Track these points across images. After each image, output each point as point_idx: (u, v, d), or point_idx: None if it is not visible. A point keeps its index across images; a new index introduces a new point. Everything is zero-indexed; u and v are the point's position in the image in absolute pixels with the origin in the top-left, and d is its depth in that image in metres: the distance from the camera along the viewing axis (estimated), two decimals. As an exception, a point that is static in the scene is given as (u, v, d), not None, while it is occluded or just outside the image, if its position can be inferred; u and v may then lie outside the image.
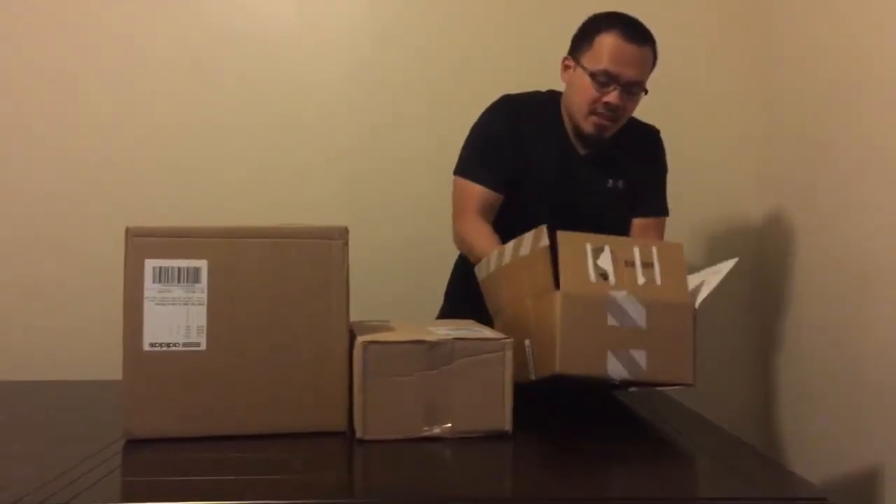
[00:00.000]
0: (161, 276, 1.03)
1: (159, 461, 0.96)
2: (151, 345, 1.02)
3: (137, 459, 0.97)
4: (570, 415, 1.23)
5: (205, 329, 1.03)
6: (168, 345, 1.02)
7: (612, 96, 1.46)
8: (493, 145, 1.57)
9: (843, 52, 1.67)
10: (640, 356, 1.10)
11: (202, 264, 1.04)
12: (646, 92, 1.52)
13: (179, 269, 1.03)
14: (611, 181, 1.59)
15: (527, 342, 1.14)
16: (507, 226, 1.57)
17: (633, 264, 1.12)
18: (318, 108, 2.06)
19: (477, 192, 1.54)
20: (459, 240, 1.57)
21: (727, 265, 1.22)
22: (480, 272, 1.37)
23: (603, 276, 1.11)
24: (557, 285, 1.10)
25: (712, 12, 2.11)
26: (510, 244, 1.24)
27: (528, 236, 1.17)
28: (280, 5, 2.07)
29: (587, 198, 1.58)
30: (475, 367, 1.05)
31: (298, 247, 1.07)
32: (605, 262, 1.12)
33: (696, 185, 2.08)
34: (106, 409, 1.17)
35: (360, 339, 1.03)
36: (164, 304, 1.02)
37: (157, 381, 1.01)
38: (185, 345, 1.02)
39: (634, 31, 1.47)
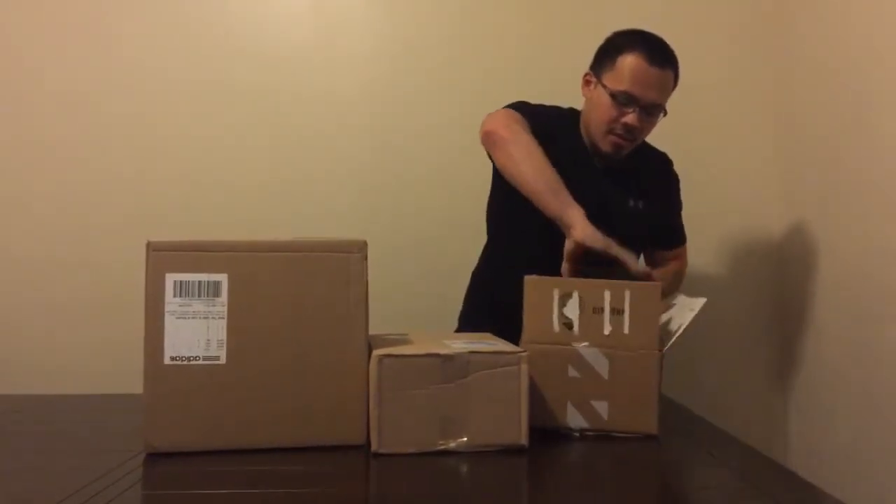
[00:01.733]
0: (182, 290, 1.04)
1: (180, 474, 0.97)
2: (172, 358, 1.03)
3: (158, 473, 0.99)
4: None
5: (225, 343, 1.04)
6: (188, 358, 1.03)
7: (631, 118, 1.46)
8: (531, 109, 1.54)
9: (866, 63, 1.66)
10: (601, 407, 1.12)
11: (222, 278, 1.05)
12: (665, 113, 1.52)
13: (200, 282, 1.05)
14: (632, 201, 1.59)
15: None
16: (533, 232, 1.58)
17: (601, 311, 1.13)
18: (335, 122, 2.08)
19: (521, 117, 1.48)
20: (502, 126, 1.45)
21: (698, 303, 1.22)
22: None
23: (567, 325, 1.13)
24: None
25: (732, 23, 2.11)
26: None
27: None
28: (296, 22, 2.09)
29: (612, 214, 1.55)
30: (491, 381, 1.05)
31: (318, 260, 1.08)
32: (572, 310, 1.13)
33: (717, 197, 2.08)
34: (126, 423, 1.18)
35: (375, 352, 1.04)
36: (184, 318, 1.04)
37: (178, 395, 1.03)
38: (205, 358, 1.03)
39: (657, 53, 1.46)
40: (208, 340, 1.04)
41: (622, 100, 1.46)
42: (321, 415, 1.06)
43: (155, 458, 1.02)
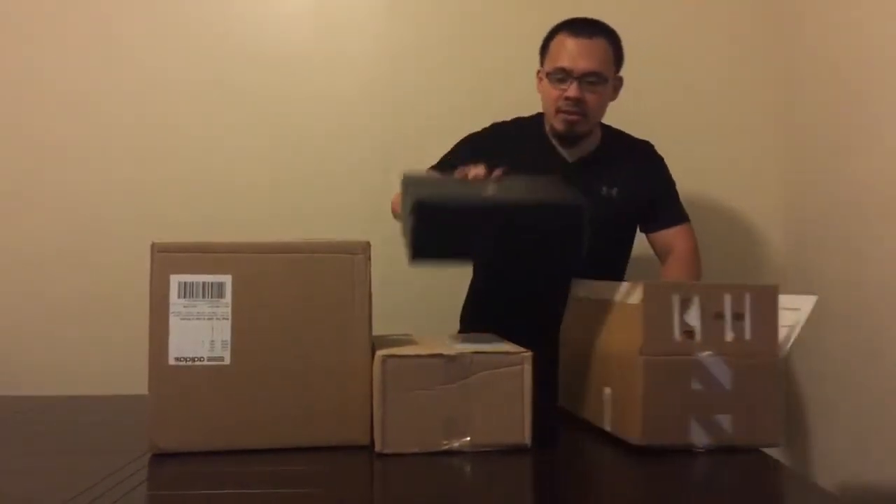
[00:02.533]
0: (186, 291, 1.05)
1: (184, 475, 0.97)
2: (176, 359, 1.03)
3: (163, 473, 0.99)
4: (590, 429, 1.23)
5: (229, 343, 1.04)
6: (193, 359, 1.04)
7: (571, 89, 1.51)
8: (460, 157, 1.58)
9: (870, 62, 1.66)
10: (724, 420, 1.04)
11: (227, 279, 1.05)
12: (616, 84, 1.56)
13: (204, 283, 1.05)
14: (604, 188, 1.61)
15: (607, 391, 1.12)
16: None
17: (722, 316, 1.05)
18: (337, 123, 2.09)
19: None
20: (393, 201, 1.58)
21: (808, 302, 1.14)
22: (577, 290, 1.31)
23: (689, 333, 1.05)
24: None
25: (734, 22, 2.11)
26: (603, 284, 1.20)
27: (625, 286, 1.12)
28: (298, 23, 2.10)
29: None
30: (494, 381, 1.05)
31: (321, 261, 1.08)
32: (693, 316, 1.05)
33: (719, 199, 2.08)
34: (131, 424, 1.19)
35: (378, 353, 1.04)
36: (189, 319, 1.04)
37: (183, 396, 1.03)
38: (209, 359, 1.04)
39: (582, 27, 1.54)
40: (212, 341, 1.04)
41: (558, 76, 1.53)
42: (325, 415, 1.06)
43: (160, 458, 1.02)
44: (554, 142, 1.62)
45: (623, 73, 1.61)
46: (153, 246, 1.05)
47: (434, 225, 1.06)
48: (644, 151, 1.69)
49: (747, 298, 1.06)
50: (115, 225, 2.04)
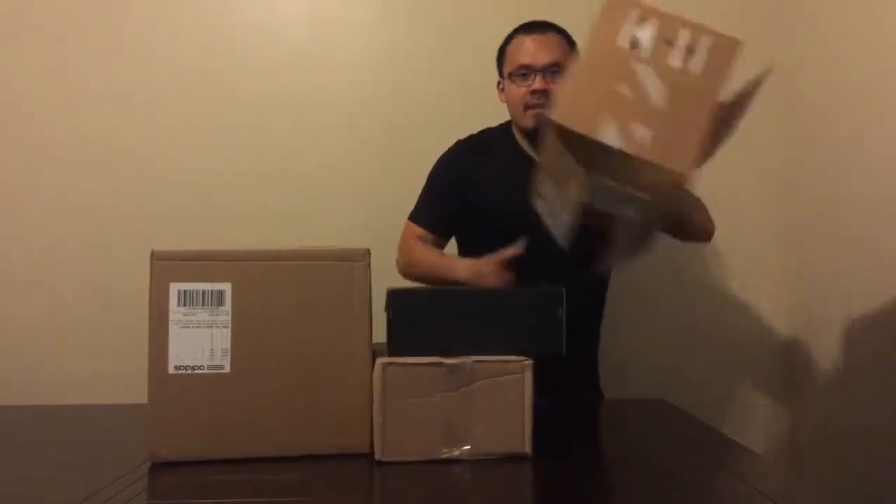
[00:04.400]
0: (186, 299, 1.05)
1: (184, 484, 0.97)
2: (176, 367, 1.03)
3: (163, 482, 0.99)
4: (590, 438, 1.23)
5: (229, 351, 1.04)
6: (193, 367, 1.03)
7: (537, 82, 1.54)
8: (438, 192, 1.66)
9: (868, 60, 1.66)
10: (643, 131, 1.01)
11: (226, 287, 1.05)
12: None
13: (204, 291, 1.05)
14: None
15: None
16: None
17: (673, 44, 1.05)
18: (337, 127, 2.08)
19: (420, 233, 1.64)
20: (403, 263, 1.63)
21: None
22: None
23: (633, 44, 1.04)
24: None
25: (733, 21, 2.11)
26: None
27: None
28: (294, 27, 2.10)
29: None
30: (495, 389, 1.05)
31: (321, 269, 1.08)
32: (644, 32, 1.04)
33: (719, 199, 2.07)
34: (131, 433, 1.18)
35: (379, 360, 1.04)
36: (188, 327, 1.04)
37: (182, 404, 1.03)
38: (209, 367, 1.04)
39: (532, 25, 1.59)
40: (212, 349, 1.04)
41: (520, 73, 1.55)
42: (325, 423, 1.06)
43: (159, 467, 1.02)
44: (526, 147, 1.61)
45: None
46: (153, 254, 1.05)
47: (410, 315, 1.09)
48: None
49: (705, 42, 1.05)
50: (114, 232, 2.04)
